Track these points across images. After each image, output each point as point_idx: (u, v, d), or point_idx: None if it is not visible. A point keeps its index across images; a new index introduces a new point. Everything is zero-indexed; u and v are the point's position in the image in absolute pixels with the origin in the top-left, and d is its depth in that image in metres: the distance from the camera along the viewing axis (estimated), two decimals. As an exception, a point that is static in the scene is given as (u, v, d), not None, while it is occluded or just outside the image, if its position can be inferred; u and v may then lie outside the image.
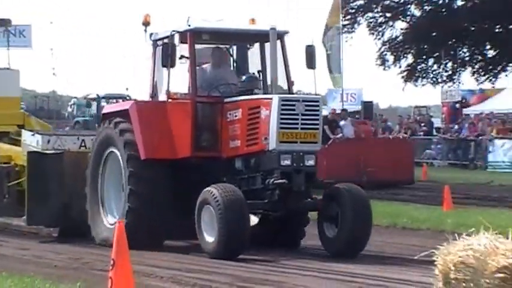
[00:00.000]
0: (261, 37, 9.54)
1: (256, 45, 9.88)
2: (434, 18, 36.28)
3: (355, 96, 39.73)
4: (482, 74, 37.39)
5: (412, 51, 37.72)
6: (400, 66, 37.91)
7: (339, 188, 8.98)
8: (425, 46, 37.08)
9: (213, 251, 8.26)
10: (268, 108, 8.52)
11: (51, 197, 9.68)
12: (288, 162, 8.40)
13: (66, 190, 9.68)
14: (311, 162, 8.61)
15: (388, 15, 37.66)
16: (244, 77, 9.46)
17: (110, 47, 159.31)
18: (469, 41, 37.07)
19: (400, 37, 37.83)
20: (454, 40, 36.90)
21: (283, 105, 8.45)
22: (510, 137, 26.99)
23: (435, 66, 37.90)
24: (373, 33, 37.56)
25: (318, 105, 9.02)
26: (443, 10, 37.43)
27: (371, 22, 37.56)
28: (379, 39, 37.72)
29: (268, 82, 9.36)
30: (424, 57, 38.08)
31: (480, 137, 27.69)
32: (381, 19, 37.81)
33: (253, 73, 9.70)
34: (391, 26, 37.89)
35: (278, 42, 9.09)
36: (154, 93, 9.81)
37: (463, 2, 37.20)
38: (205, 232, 8.32)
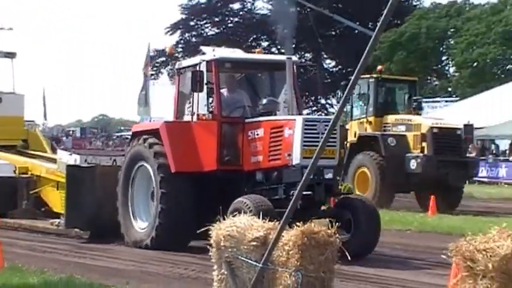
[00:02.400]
0: (277, 65, 10.93)
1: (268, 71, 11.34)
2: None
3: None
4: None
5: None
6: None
7: (351, 198, 10.46)
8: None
9: None
10: (292, 127, 9.58)
11: (85, 204, 11.10)
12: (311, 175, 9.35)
13: (98, 198, 11.13)
14: (330, 176, 9.75)
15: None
16: (265, 100, 10.67)
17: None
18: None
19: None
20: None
21: (306, 125, 9.58)
22: None
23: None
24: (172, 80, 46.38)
25: (335, 124, 9.81)
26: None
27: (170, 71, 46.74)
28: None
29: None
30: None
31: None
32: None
33: (273, 97, 10.83)
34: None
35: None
36: (179, 115, 11.16)
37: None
38: None
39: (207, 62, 10.38)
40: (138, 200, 10.82)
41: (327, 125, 9.16)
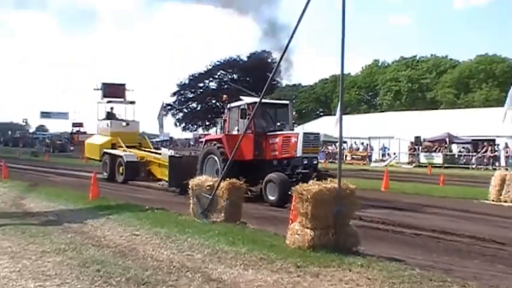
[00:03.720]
0: (281, 105, 19.19)
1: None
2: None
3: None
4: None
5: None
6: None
7: (322, 173, 16.02)
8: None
9: (273, 202, 16.13)
10: (296, 137, 17.24)
11: (178, 176, 18.37)
12: (306, 162, 17.09)
13: (183, 172, 16.63)
14: (315, 162, 17.65)
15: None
16: (279, 124, 18.42)
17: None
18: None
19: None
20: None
21: (304, 136, 17.26)
22: None
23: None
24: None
25: (319, 136, 18.90)
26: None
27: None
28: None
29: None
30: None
31: None
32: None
33: (282, 122, 18.51)
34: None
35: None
36: (228, 131, 19.06)
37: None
38: (269, 194, 16.49)
39: (248, 104, 18.10)
40: (207, 173, 16.71)
41: (315, 136, 17.98)
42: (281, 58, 11.92)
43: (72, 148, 65.75)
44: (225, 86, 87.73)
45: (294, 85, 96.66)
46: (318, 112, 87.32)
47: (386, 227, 12.37)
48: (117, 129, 26.79)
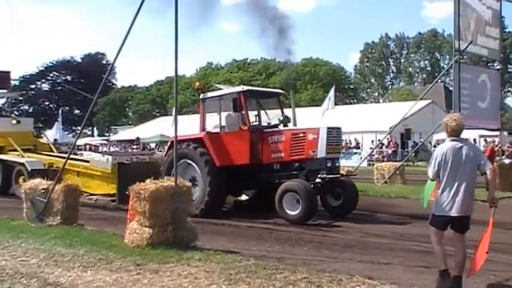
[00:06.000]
0: (273, 95, 16.39)
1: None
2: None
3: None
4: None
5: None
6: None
7: (342, 180, 13.81)
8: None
9: (294, 219, 12.39)
10: (316, 134, 13.26)
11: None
12: (329, 164, 13.36)
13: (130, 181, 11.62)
14: (338, 164, 13.93)
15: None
16: (282, 117, 14.84)
17: None
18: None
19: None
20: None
21: (329, 131, 13.33)
22: None
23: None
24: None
25: (341, 131, 14.17)
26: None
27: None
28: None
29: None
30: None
31: None
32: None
33: (287, 115, 15.01)
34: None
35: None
36: (204, 129, 14.97)
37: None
38: (287, 208, 12.54)
39: (240, 92, 14.27)
40: None
41: (338, 132, 13.86)
42: (115, 60, 11.84)
43: None
44: (59, 88, 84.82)
45: (130, 86, 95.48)
46: (154, 113, 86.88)
47: (222, 221, 12.83)
48: (5, 128, 21.08)
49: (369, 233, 11.36)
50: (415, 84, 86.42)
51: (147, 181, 9.22)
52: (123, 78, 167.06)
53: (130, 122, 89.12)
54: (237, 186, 14.66)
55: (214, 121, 15.03)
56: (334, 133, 13.54)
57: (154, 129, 56.22)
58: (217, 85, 16.68)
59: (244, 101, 13.99)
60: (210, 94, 15.57)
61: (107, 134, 78.74)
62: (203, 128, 14.99)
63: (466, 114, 19.71)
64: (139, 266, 7.44)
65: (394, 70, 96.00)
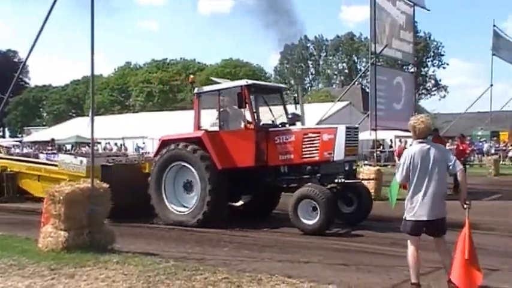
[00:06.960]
0: (275, 90, 14.78)
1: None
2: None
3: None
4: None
5: None
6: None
7: (356, 185, 12.69)
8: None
9: (311, 229, 11.18)
10: (333, 134, 11.90)
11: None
12: (347, 167, 12.16)
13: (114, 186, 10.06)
14: (354, 167, 12.89)
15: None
16: (290, 115, 13.36)
17: None
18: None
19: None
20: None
21: (347, 131, 12.00)
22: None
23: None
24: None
25: (358, 131, 13.01)
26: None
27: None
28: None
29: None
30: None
31: None
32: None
33: (296, 112, 13.40)
34: None
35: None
36: (199, 127, 13.39)
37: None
38: (303, 217, 11.35)
39: (244, 86, 12.71)
40: (170, 188, 13.12)
41: (355, 131, 12.62)
42: (27, 58, 11.43)
43: None
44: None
45: (44, 86, 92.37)
46: (70, 113, 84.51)
47: (142, 224, 12.64)
48: None
49: (288, 232, 11.53)
50: (334, 86, 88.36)
51: (62, 183, 8.96)
52: (36, 77, 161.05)
53: (44, 123, 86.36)
54: (237, 191, 13.34)
55: (208, 118, 13.64)
56: (352, 133, 12.31)
57: (70, 130, 54.62)
58: (214, 79, 15.10)
59: (248, 95, 12.66)
60: (206, 88, 13.89)
61: (20, 135, 75.77)
62: (198, 126, 13.43)
63: (382, 116, 20.58)
64: (54, 271, 7.21)
65: (313, 72, 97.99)
